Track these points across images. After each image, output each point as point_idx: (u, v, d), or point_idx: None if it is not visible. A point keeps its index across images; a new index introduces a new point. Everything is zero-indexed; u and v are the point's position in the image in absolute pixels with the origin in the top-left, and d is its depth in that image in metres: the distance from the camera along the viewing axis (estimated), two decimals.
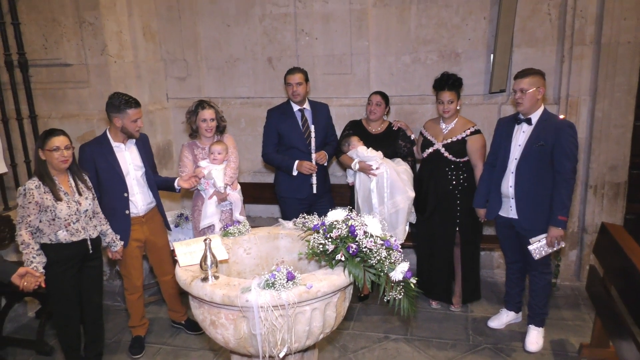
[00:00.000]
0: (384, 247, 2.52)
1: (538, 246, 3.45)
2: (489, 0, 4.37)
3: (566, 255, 4.52)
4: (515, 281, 3.86)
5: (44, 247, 3.05)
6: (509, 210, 3.56)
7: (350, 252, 2.47)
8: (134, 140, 3.62)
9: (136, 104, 3.47)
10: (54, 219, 3.01)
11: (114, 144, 3.53)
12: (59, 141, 3.03)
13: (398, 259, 2.55)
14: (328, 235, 2.53)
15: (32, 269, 2.87)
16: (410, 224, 4.23)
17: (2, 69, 4.35)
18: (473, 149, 3.93)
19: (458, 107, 3.96)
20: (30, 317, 4.35)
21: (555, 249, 3.45)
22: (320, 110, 4.15)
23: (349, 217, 2.62)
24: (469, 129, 3.95)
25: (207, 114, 3.70)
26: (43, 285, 2.88)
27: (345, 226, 2.54)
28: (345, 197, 4.53)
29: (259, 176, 5.09)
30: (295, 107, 4.05)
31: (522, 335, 3.71)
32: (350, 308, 4.15)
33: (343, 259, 2.48)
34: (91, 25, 4.39)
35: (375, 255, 2.47)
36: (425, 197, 4.09)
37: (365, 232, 2.52)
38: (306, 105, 4.08)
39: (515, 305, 3.93)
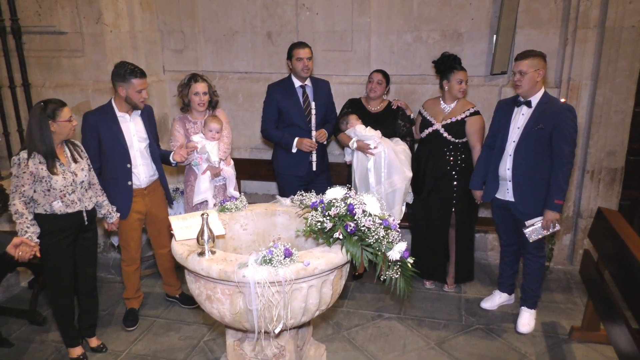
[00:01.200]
0: (382, 226, 2.51)
1: (533, 229, 3.47)
2: None
3: (560, 239, 4.55)
4: (509, 264, 3.88)
5: (38, 218, 3.01)
6: (506, 192, 3.56)
7: (349, 230, 2.46)
8: (139, 112, 3.56)
9: (142, 74, 3.41)
10: (49, 190, 2.97)
11: (118, 113, 3.48)
12: (69, 112, 3.01)
13: (396, 239, 2.55)
14: (326, 213, 2.52)
15: (27, 238, 2.83)
16: (407, 204, 4.22)
17: None
18: (472, 130, 3.91)
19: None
20: (23, 287, 4.34)
21: (550, 232, 3.46)
22: (322, 87, 4.10)
23: (348, 195, 2.60)
24: (468, 109, 3.93)
25: (200, 87, 3.65)
26: (38, 254, 2.86)
27: (344, 204, 2.52)
28: (343, 175, 4.51)
29: (255, 152, 5.05)
30: (297, 83, 3.99)
31: (514, 317, 3.75)
32: (344, 286, 4.18)
33: (341, 237, 2.48)
34: None
35: (373, 234, 2.46)
36: (422, 178, 4.08)
37: (364, 211, 2.51)
38: (308, 82, 4.02)
39: (509, 287, 3.96)
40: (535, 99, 3.39)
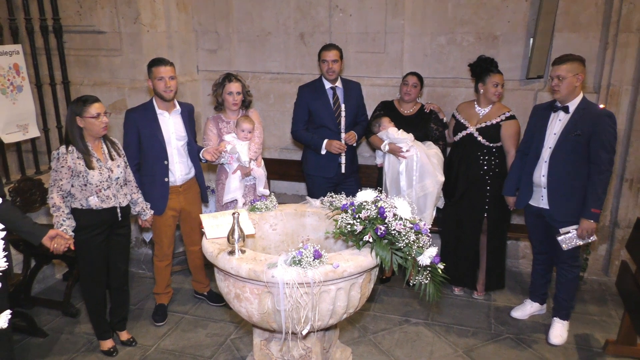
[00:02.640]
0: (412, 230, 2.48)
1: (567, 237, 3.37)
2: None
3: (596, 250, 4.42)
4: (542, 272, 3.79)
5: (75, 212, 3.09)
6: (540, 199, 3.47)
7: (379, 233, 2.44)
8: (179, 110, 3.63)
9: (160, 62, 3.48)
10: (85, 185, 3.04)
11: (158, 111, 3.55)
12: (97, 107, 3.04)
13: (426, 244, 2.52)
14: (357, 216, 2.51)
15: (62, 231, 2.91)
16: (438, 209, 4.17)
17: (37, 34, 4.37)
18: (507, 134, 3.84)
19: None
20: (58, 280, 4.45)
21: (585, 241, 3.36)
22: (353, 89, 4.09)
23: (379, 198, 2.59)
24: (504, 113, 3.86)
25: (234, 87, 3.68)
26: (72, 247, 2.93)
27: (374, 207, 2.51)
28: (372, 178, 4.48)
29: (285, 153, 5.07)
30: (327, 85, 3.99)
31: (545, 327, 3.66)
32: (372, 289, 4.16)
33: (371, 240, 2.46)
34: None
35: (403, 238, 2.44)
36: (454, 182, 4.02)
37: (394, 215, 2.49)
38: (338, 84, 4.02)
39: (540, 296, 3.87)
40: (573, 105, 3.30)
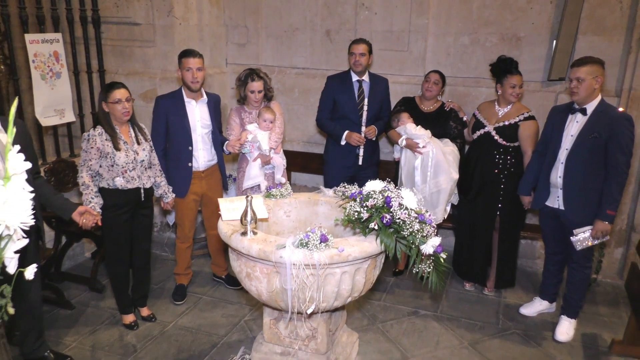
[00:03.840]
0: (417, 220, 2.58)
1: (581, 238, 3.39)
2: None
3: (611, 253, 4.41)
4: (554, 272, 3.82)
5: (102, 191, 3.30)
6: (556, 200, 3.50)
7: (384, 221, 2.54)
8: (206, 100, 3.81)
9: (189, 53, 3.66)
10: (112, 165, 3.25)
11: (186, 99, 3.74)
12: (120, 94, 3.23)
13: (430, 234, 2.61)
14: (364, 204, 2.62)
15: (91, 208, 3.11)
16: (452, 206, 4.24)
17: (77, 24, 4.63)
18: (525, 134, 3.87)
19: (522, 92, 3.94)
20: (86, 258, 4.71)
21: (598, 242, 3.38)
22: (379, 84, 4.20)
23: (387, 188, 2.69)
24: (522, 114, 3.90)
25: (256, 85, 3.81)
26: (99, 223, 3.13)
27: (381, 196, 2.61)
28: (391, 172, 4.56)
29: (307, 146, 5.21)
30: (354, 78, 4.12)
31: (553, 325, 3.70)
32: (383, 281, 4.28)
33: (376, 227, 2.57)
34: None
35: (408, 227, 2.54)
36: (470, 179, 4.08)
37: (400, 204, 2.59)
38: (365, 77, 4.14)
39: (550, 295, 3.90)
40: (590, 107, 3.32)
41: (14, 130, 1.31)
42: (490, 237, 4.10)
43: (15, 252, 1.34)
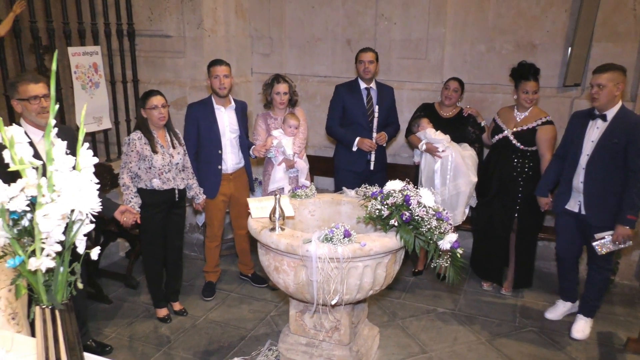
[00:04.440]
0: (435, 217, 2.75)
1: (603, 242, 3.45)
2: None
3: (629, 255, 4.50)
4: (569, 273, 3.88)
5: (140, 192, 3.55)
6: (577, 204, 3.57)
7: (404, 218, 2.72)
8: (234, 106, 4.05)
9: (217, 62, 3.91)
10: (150, 168, 3.50)
11: (215, 106, 3.99)
12: (157, 100, 3.49)
13: (447, 230, 2.78)
14: (384, 202, 2.81)
15: (131, 207, 3.36)
16: (471, 207, 4.39)
17: (114, 37, 4.92)
18: (542, 139, 3.98)
19: (538, 98, 4.07)
20: (121, 257, 4.97)
21: (621, 247, 3.46)
22: (386, 92, 4.38)
23: (406, 188, 2.87)
24: (541, 118, 4.00)
25: (282, 87, 4.04)
26: (139, 221, 3.37)
27: (401, 195, 2.80)
28: (411, 175, 4.71)
29: (329, 151, 5.40)
30: (363, 85, 4.30)
31: (569, 324, 3.80)
32: (403, 281, 4.45)
33: (396, 224, 2.75)
34: (191, 2, 4.85)
35: (426, 223, 2.71)
36: (489, 182, 4.21)
37: (418, 202, 2.77)
38: (373, 85, 4.32)
39: (571, 295, 3.94)
40: (611, 113, 3.39)
41: (84, 130, 1.53)
42: (508, 239, 4.22)
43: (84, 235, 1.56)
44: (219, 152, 3.99)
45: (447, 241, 2.74)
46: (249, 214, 3.08)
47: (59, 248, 1.39)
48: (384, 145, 4.37)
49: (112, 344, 3.53)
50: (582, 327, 3.69)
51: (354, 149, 4.27)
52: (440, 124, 4.33)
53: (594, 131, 3.47)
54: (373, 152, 4.27)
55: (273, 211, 2.83)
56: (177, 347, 3.55)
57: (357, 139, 4.24)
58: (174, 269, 3.94)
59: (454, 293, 4.31)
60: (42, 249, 1.37)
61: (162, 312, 3.89)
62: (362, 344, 3.21)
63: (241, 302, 4.17)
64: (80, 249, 1.56)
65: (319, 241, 2.65)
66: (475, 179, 4.20)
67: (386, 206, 2.79)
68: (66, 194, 1.39)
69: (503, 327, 3.81)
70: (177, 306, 3.99)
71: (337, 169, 4.52)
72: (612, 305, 4.14)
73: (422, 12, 4.84)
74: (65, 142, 1.39)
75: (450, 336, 3.69)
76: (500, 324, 3.85)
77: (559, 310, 3.99)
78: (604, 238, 3.44)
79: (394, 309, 4.04)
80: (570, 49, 4.40)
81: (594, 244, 3.48)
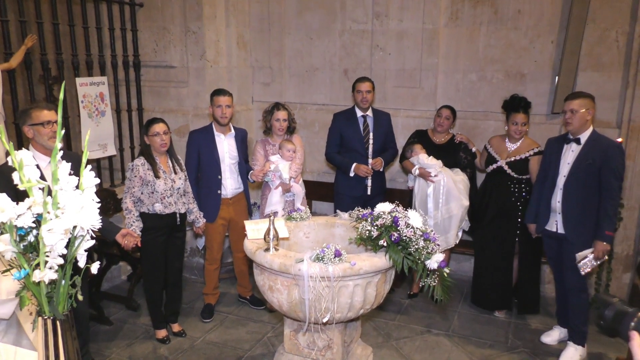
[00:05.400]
0: (422, 237, 2.87)
1: (585, 261, 3.57)
2: (557, 24, 4.57)
3: (619, 278, 4.57)
4: (564, 297, 3.97)
5: (142, 215, 3.68)
6: (554, 224, 3.73)
7: (392, 239, 2.84)
8: (234, 134, 4.22)
9: (220, 92, 4.09)
10: (152, 192, 3.64)
11: (216, 133, 4.16)
12: (159, 127, 3.66)
13: (435, 250, 2.89)
14: (374, 223, 2.93)
15: (132, 230, 3.49)
16: (464, 231, 4.50)
17: (120, 67, 5.15)
18: (534, 168, 4.12)
19: (527, 129, 4.21)
20: (123, 280, 5.08)
21: (600, 262, 3.59)
22: (383, 119, 4.54)
23: (395, 210, 3.00)
24: (533, 149, 4.16)
25: (281, 114, 4.22)
26: (139, 245, 3.49)
27: (390, 217, 2.92)
28: (405, 200, 4.85)
29: (327, 176, 5.56)
30: (359, 113, 4.47)
31: (563, 347, 3.83)
32: (398, 303, 4.53)
33: (385, 244, 2.86)
34: (194, 34, 5.08)
35: (414, 244, 2.83)
36: (485, 208, 4.33)
37: (407, 224, 2.89)
38: (369, 113, 4.48)
39: (566, 321, 3.96)
40: (584, 137, 3.59)
41: (87, 153, 1.68)
42: (511, 264, 4.30)
43: (85, 250, 1.69)
44: (219, 177, 4.14)
45: (434, 261, 2.84)
46: (246, 235, 3.21)
47: (61, 261, 1.51)
48: (381, 170, 4.51)
49: None
50: (571, 355, 3.71)
51: (351, 174, 4.40)
52: (433, 150, 4.48)
53: (569, 154, 3.66)
54: (370, 178, 4.40)
55: (267, 232, 2.95)
56: None
57: (354, 165, 4.38)
58: (173, 290, 4.04)
59: (448, 315, 4.38)
60: (46, 262, 1.50)
61: (161, 333, 3.98)
62: None
63: (239, 324, 4.25)
64: (81, 263, 1.69)
65: (310, 260, 2.76)
66: (467, 202, 4.33)
67: (376, 227, 2.90)
68: (69, 211, 1.53)
69: (495, 347, 3.88)
70: (176, 327, 4.09)
71: (336, 193, 4.66)
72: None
73: (415, 43, 5.04)
74: (70, 164, 1.53)
75: (443, 356, 3.76)
76: (493, 345, 3.92)
77: (554, 335, 4.03)
78: (586, 257, 3.55)
79: (389, 330, 4.12)
80: (557, 77, 4.57)
81: (578, 264, 3.59)
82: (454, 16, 4.92)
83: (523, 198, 4.18)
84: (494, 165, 4.26)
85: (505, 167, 4.19)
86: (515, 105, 4.17)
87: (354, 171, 4.38)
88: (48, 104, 3.09)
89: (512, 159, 4.18)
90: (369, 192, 4.43)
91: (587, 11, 4.37)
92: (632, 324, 1.18)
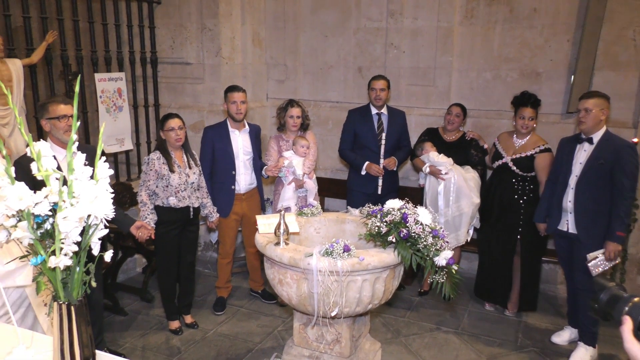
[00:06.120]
0: (431, 234, 2.89)
1: (596, 262, 3.55)
2: (574, 23, 4.54)
3: (633, 280, 4.53)
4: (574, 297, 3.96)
5: (157, 209, 3.76)
6: (565, 223, 3.71)
7: (401, 235, 2.86)
8: (248, 130, 4.28)
9: (235, 88, 4.15)
10: (167, 186, 3.72)
11: (230, 129, 4.22)
12: (174, 123, 3.73)
13: (443, 247, 2.91)
14: (383, 220, 2.96)
15: (146, 223, 3.57)
16: (475, 229, 4.50)
17: (138, 64, 5.24)
18: (540, 166, 4.11)
19: (534, 125, 4.19)
20: (138, 272, 5.18)
21: (612, 264, 3.56)
22: (397, 117, 4.56)
23: (404, 206, 3.02)
24: (539, 146, 4.14)
25: (295, 111, 4.27)
26: (152, 237, 3.57)
27: (399, 213, 2.94)
28: (416, 197, 4.87)
29: (340, 173, 5.59)
30: (374, 111, 4.49)
31: (573, 347, 3.83)
32: (409, 300, 4.55)
33: (394, 240, 2.89)
34: (210, 31, 5.16)
35: (422, 240, 2.85)
36: (491, 205, 4.33)
37: (416, 220, 2.91)
38: (384, 110, 4.50)
39: (576, 321, 3.96)
40: (597, 136, 3.56)
41: (103, 145, 1.74)
42: (511, 261, 4.29)
43: (99, 239, 1.75)
44: (233, 172, 4.20)
45: (443, 257, 2.86)
46: (257, 229, 3.26)
47: (75, 248, 1.57)
48: (394, 169, 4.52)
49: (125, 353, 3.71)
50: (581, 355, 3.70)
51: (363, 172, 4.44)
52: (444, 148, 4.49)
53: (582, 153, 3.64)
54: (381, 178, 4.41)
55: (278, 226, 3.00)
56: (187, 358, 3.71)
57: (366, 163, 4.41)
58: (186, 283, 4.12)
59: (458, 313, 4.39)
60: (61, 249, 1.56)
61: (174, 324, 4.06)
62: (363, 357, 3.32)
63: (250, 317, 4.32)
64: (95, 251, 1.75)
65: (319, 255, 2.80)
66: (477, 200, 4.33)
67: (385, 223, 2.93)
68: (84, 200, 1.59)
69: (504, 346, 3.88)
70: (188, 319, 4.16)
71: (349, 190, 4.69)
72: (615, 328, 4.14)
73: (429, 41, 5.05)
74: (85, 155, 1.59)
75: (452, 354, 3.77)
76: (502, 343, 3.92)
77: (565, 335, 4.01)
78: (596, 257, 3.53)
79: (398, 327, 4.14)
80: (573, 77, 4.54)
81: (589, 265, 3.56)
82: (469, 14, 4.91)
83: (526, 196, 4.17)
84: (500, 161, 4.25)
85: (510, 164, 4.17)
86: (524, 100, 4.17)
87: (365, 170, 4.41)
88: (65, 98, 3.15)
89: (518, 155, 4.17)
90: (379, 192, 4.45)
91: (604, 10, 4.33)
92: (626, 308, 1.19)
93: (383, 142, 4.41)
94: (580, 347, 3.76)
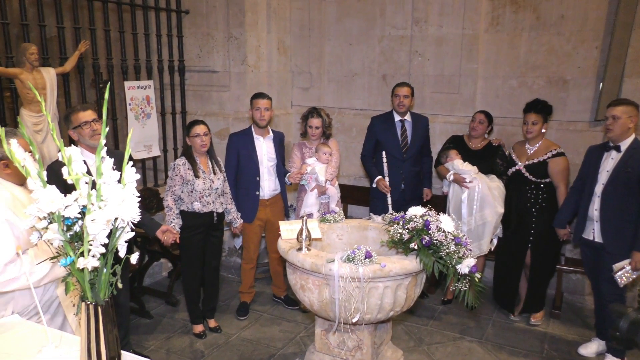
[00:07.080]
0: (453, 242, 2.87)
1: (623, 272, 3.48)
2: (602, 30, 4.47)
3: None
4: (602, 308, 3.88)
5: (182, 213, 3.84)
6: (591, 232, 3.66)
7: (423, 242, 2.85)
8: (272, 136, 4.34)
9: (260, 95, 4.22)
10: (192, 191, 3.79)
11: (255, 136, 4.28)
12: (199, 129, 3.81)
13: (466, 255, 2.89)
14: (406, 227, 2.95)
15: (172, 227, 3.64)
16: (499, 238, 4.45)
17: (166, 72, 5.36)
18: (555, 170, 4.08)
19: (543, 130, 4.16)
20: (164, 276, 5.26)
21: (639, 274, 3.48)
22: (421, 123, 4.57)
23: (427, 213, 3.01)
24: (551, 151, 4.11)
25: (315, 122, 4.31)
26: (177, 241, 3.64)
27: (421, 220, 2.94)
28: (440, 205, 4.84)
29: (363, 180, 5.59)
30: (397, 118, 4.50)
31: (600, 359, 3.76)
32: (432, 309, 4.52)
33: (416, 248, 2.88)
34: (236, 40, 5.24)
35: (445, 248, 2.84)
36: (509, 214, 4.30)
37: (438, 227, 2.90)
38: (407, 117, 4.51)
39: (604, 333, 3.88)
40: (624, 144, 3.51)
41: (131, 151, 1.80)
42: (520, 269, 4.30)
43: (125, 242, 1.80)
44: (257, 179, 4.25)
45: (465, 265, 2.84)
46: (280, 235, 3.29)
47: (103, 250, 1.62)
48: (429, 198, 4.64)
49: (150, 355, 3.77)
50: None
51: (373, 185, 4.49)
52: (469, 156, 4.46)
53: (609, 162, 3.59)
54: (389, 196, 4.40)
55: (300, 232, 3.03)
56: None
57: (378, 177, 4.44)
58: (210, 287, 4.18)
59: (482, 322, 4.34)
60: (89, 251, 1.62)
61: (198, 328, 4.12)
62: None
63: (272, 323, 4.34)
64: (122, 254, 1.80)
65: (341, 261, 2.82)
66: (501, 209, 4.28)
67: (407, 230, 2.93)
68: (111, 204, 1.64)
69: (529, 357, 3.81)
70: (212, 323, 4.21)
71: (372, 198, 4.70)
72: None
73: (454, 48, 5.03)
74: (113, 159, 1.64)
75: None
76: (527, 354, 3.85)
77: (592, 347, 3.93)
78: (623, 268, 3.45)
79: (421, 335, 4.11)
80: (601, 84, 4.47)
81: (615, 275, 3.49)
82: (494, 22, 4.89)
83: (539, 204, 4.13)
84: (513, 169, 4.26)
85: (523, 170, 4.17)
86: (528, 106, 4.17)
87: (375, 183, 4.46)
88: (83, 105, 3.23)
89: (531, 161, 4.16)
90: (390, 210, 4.42)
91: (633, 16, 4.26)
92: None
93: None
94: (608, 358, 3.67)
